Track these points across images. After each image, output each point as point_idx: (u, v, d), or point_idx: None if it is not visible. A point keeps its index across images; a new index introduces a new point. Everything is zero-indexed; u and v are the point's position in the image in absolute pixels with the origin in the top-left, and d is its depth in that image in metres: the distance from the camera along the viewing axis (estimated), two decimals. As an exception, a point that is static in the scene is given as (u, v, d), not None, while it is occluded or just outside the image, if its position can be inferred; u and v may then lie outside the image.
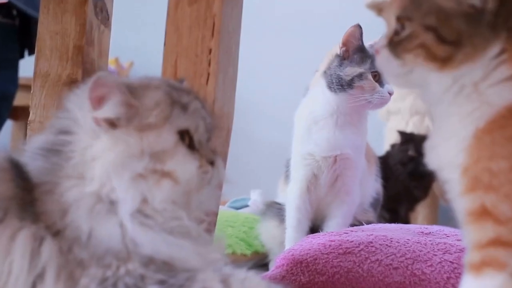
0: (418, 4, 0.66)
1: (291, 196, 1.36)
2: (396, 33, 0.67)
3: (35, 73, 1.02)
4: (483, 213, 0.61)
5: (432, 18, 0.64)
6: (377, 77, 1.31)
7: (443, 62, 0.64)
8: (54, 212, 0.65)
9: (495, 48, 0.62)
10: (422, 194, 1.97)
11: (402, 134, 2.00)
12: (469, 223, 0.62)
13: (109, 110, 0.68)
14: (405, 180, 1.91)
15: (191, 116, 0.72)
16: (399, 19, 0.67)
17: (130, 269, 0.64)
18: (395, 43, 0.67)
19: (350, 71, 1.31)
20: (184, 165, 0.70)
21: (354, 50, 1.33)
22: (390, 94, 1.31)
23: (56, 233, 0.65)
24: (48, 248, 0.64)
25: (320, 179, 1.34)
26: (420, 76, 0.66)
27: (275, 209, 1.46)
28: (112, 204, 0.66)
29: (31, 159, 0.69)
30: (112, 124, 0.68)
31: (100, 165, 0.67)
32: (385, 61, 0.69)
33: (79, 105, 0.70)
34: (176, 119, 0.71)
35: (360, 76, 1.31)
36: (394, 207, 1.85)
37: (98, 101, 0.68)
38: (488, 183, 0.60)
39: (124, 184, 0.67)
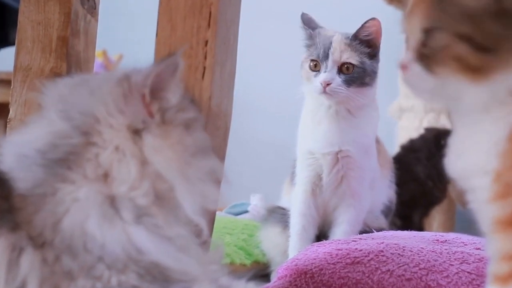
0: (445, 10, 0.64)
1: (295, 200, 1.37)
2: (424, 44, 0.65)
3: (15, 66, 1.02)
4: None
5: (465, 25, 0.62)
6: (317, 66, 1.31)
7: (479, 72, 0.62)
8: (42, 221, 0.64)
9: None
10: (440, 194, 1.96)
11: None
12: (498, 231, 0.62)
13: (174, 97, 0.70)
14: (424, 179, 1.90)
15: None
16: (427, 29, 0.65)
17: (122, 280, 0.64)
18: (425, 56, 0.65)
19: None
20: (218, 162, 0.73)
21: (307, 37, 1.36)
22: (322, 84, 1.28)
23: (42, 244, 0.64)
24: (28, 259, 0.63)
25: (323, 180, 1.34)
26: (453, 89, 0.64)
27: (277, 215, 1.46)
28: (137, 209, 0.66)
29: (24, 168, 0.66)
30: (163, 116, 0.69)
31: (140, 165, 0.66)
32: (417, 77, 0.67)
33: (100, 100, 0.69)
34: (199, 114, 0.74)
35: (301, 66, 1.35)
36: (408, 213, 1.85)
37: (159, 87, 0.69)
38: None
39: (188, 185, 0.68)
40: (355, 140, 1.33)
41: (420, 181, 1.90)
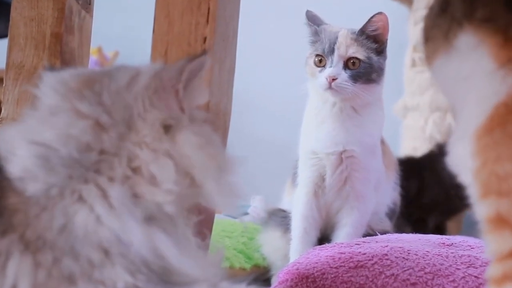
0: None
1: (297, 202, 1.36)
2: None
3: (7, 64, 1.02)
4: (500, 221, 0.60)
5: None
6: (323, 62, 1.32)
7: (427, 59, 0.70)
8: (47, 222, 0.63)
9: (465, 40, 0.63)
10: (461, 204, 1.92)
11: None
12: (488, 232, 0.62)
13: (199, 95, 0.72)
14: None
15: None
16: None
17: (129, 282, 0.64)
18: None
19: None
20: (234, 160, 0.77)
21: (312, 33, 1.36)
22: (328, 79, 1.28)
23: (38, 247, 0.63)
24: (16, 264, 0.62)
25: (326, 181, 1.34)
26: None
27: (278, 217, 1.45)
28: (162, 214, 0.66)
29: (45, 170, 0.65)
30: (192, 114, 0.70)
31: (178, 165, 0.67)
32: None
33: (137, 95, 0.69)
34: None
35: (306, 62, 1.35)
36: (424, 216, 1.82)
37: (190, 84, 0.70)
38: (498, 188, 0.60)
39: (219, 184, 0.69)
40: (360, 139, 1.33)
41: (444, 187, 1.84)
